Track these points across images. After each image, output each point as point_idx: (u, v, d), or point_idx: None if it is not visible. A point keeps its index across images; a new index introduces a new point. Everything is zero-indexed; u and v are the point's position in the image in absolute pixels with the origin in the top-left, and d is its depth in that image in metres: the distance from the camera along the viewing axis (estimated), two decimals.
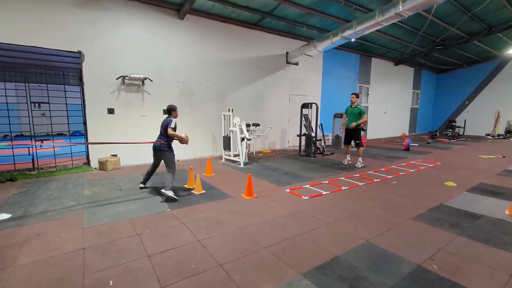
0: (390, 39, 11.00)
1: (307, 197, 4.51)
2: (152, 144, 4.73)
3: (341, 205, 4.22)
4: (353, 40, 8.09)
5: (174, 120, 4.62)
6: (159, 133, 4.69)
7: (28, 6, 5.49)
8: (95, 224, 3.41)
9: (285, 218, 3.67)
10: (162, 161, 4.74)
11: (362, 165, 6.95)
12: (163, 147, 4.56)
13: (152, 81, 7.00)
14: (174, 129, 4.57)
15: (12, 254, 2.71)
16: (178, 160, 7.62)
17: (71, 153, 6.37)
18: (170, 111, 4.73)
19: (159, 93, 7.21)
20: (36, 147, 5.96)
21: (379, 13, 6.67)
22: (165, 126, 4.52)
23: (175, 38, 7.35)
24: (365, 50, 12.42)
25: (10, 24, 5.35)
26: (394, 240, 3.07)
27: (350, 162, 7.24)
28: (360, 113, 6.76)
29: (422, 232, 3.29)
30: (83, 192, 4.71)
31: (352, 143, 7.05)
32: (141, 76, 6.72)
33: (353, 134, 6.97)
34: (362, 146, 7.19)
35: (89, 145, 6.53)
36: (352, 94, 6.97)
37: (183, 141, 4.60)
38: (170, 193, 4.30)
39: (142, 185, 4.97)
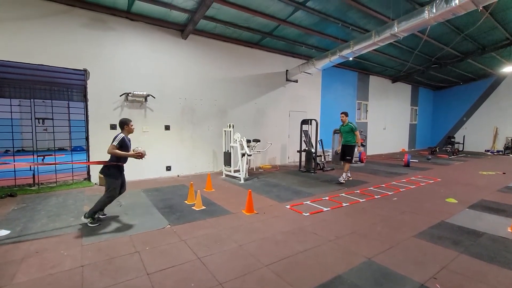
0: (387, 58, 11.32)
1: (307, 214, 4.48)
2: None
3: (342, 222, 4.19)
4: (351, 58, 8.33)
5: (121, 135, 3.91)
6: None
7: (37, 26, 5.71)
8: (94, 241, 3.38)
9: (286, 235, 3.64)
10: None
11: (345, 180, 6.91)
12: (103, 170, 3.94)
13: (154, 98, 7.15)
14: (124, 147, 3.92)
15: (11, 271, 2.67)
16: (178, 176, 7.64)
17: (72, 168, 6.39)
18: (122, 124, 4.02)
19: (161, 109, 7.34)
20: (37, 161, 6.00)
21: (375, 33, 6.93)
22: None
23: (178, 57, 7.58)
24: (363, 68, 12.74)
25: (18, 43, 5.54)
26: (396, 258, 3.04)
27: (350, 178, 7.24)
28: (352, 129, 6.82)
29: (424, 250, 3.25)
30: (83, 208, 4.68)
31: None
32: (144, 93, 6.88)
33: (346, 150, 7.01)
34: (357, 162, 7.18)
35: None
36: (341, 113, 7.03)
37: (139, 156, 3.96)
38: (86, 221, 3.82)
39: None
